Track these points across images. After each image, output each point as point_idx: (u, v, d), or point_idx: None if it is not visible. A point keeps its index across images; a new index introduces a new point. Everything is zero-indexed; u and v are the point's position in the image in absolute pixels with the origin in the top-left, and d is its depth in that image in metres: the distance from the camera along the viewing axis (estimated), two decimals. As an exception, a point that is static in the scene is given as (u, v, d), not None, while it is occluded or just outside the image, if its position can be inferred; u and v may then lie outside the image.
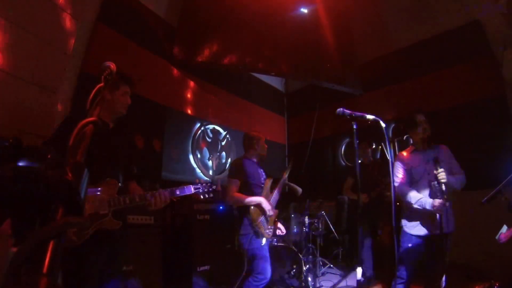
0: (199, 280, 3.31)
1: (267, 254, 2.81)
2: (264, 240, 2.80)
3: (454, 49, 4.62)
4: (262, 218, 2.81)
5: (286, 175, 3.34)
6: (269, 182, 3.13)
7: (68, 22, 2.98)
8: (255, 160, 3.17)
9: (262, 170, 3.17)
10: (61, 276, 1.44)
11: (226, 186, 2.93)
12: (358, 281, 2.08)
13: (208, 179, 4.93)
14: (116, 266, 1.85)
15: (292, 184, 3.49)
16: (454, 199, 2.62)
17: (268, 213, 2.81)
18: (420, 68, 5.01)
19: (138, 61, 4.12)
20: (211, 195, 2.05)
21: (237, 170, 2.96)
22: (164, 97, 4.46)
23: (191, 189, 1.96)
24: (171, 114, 4.59)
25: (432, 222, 2.52)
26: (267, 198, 2.93)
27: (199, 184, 2.02)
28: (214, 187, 2.06)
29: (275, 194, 3.08)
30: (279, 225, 3.15)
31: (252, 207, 2.80)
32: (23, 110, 2.53)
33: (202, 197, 2.02)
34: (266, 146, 3.26)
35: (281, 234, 3.20)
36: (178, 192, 1.91)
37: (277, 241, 3.72)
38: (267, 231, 2.84)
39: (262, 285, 2.69)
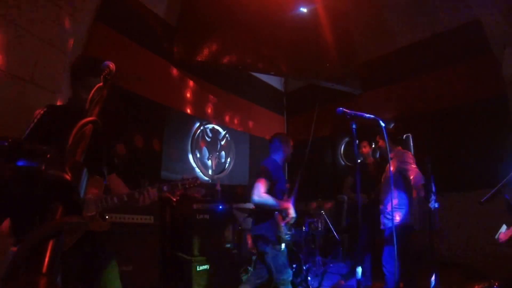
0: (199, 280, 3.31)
1: (286, 260, 2.78)
2: (283, 246, 2.76)
3: (454, 49, 4.62)
4: (284, 224, 2.77)
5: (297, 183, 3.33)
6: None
7: (67, 21, 2.98)
8: (281, 164, 3.08)
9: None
10: (61, 276, 1.42)
11: (254, 184, 2.77)
12: (358, 280, 2.09)
13: (207, 178, 4.94)
14: (99, 267, 1.72)
15: None
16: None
17: (291, 220, 2.77)
18: (419, 68, 5.01)
19: (137, 61, 4.11)
20: (199, 189, 1.98)
21: (270, 171, 2.82)
22: (163, 96, 4.46)
23: (178, 185, 1.90)
24: (171, 113, 4.59)
25: None
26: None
27: (185, 180, 1.96)
28: (198, 182, 1.99)
29: (292, 200, 3.05)
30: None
31: (276, 212, 2.74)
32: (23, 110, 2.53)
33: (187, 192, 1.91)
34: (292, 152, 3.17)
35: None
36: (165, 188, 1.84)
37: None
38: (287, 237, 2.81)
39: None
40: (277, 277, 2.70)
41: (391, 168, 2.96)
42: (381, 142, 3.23)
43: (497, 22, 4.09)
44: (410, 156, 3.14)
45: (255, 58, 4.98)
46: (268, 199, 2.67)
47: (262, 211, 2.79)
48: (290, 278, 2.76)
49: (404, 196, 3.10)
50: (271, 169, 2.83)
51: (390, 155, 3.07)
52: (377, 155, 4.95)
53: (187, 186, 1.92)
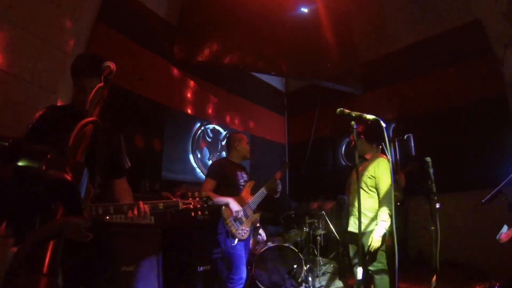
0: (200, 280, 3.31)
1: (242, 254, 2.85)
2: (236, 241, 2.82)
3: (455, 49, 4.61)
4: (232, 219, 2.84)
5: (278, 178, 3.26)
6: (250, 185, 3.13)
7: (68, 22, 2.98)
8: (236, 161, 3.18)
9: (243, 172, 3.17)
10: (62, 276, 1.40)
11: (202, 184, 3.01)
12: (358, 281, 2.08)
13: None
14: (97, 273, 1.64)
15: (277, 186, 3.28)
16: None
17: (236, 214, 2.82)
18: (420, 68, 5.00)
19: (138, 61, 4.11)
20: (206, 212, 1.76)
21: (213, 170, 3.03)
22: (164, 96, 4.46)
23: (179, 205, 1.68)
24: (171, 113, 4.59)
25: None
26: (245, 200, 2.94)
27: (191, 199, 1.74)
28: (210, 203, 1.79)
29: (256, 197, 3.08)
30: (260, 230, 3.15)
31: (223, 207, 2.84)
32: (23, 110, 2.53)
33: (193, 214, 1.72)
34: (248, 147, 3.22)
35: (261, 239, 3.26)
36: (161, 207, 1.66)
37: (277, 242, 3.73)
38: (239, 231, 2.84)
39: (239, 287, 2.76)
40: (228, 274, 2.79)
41: (363, 171, 2.76)
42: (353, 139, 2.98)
43: (498, 22, 4.08)
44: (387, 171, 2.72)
45: (256, 58, 4.98)
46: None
47: (215, 208, 2.86)
48: (242, 280, 2.79)
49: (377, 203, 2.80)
50: (215, 168, 3.04)
51: (366, 156, 2.90)
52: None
53: (192, 207, 1.76)
